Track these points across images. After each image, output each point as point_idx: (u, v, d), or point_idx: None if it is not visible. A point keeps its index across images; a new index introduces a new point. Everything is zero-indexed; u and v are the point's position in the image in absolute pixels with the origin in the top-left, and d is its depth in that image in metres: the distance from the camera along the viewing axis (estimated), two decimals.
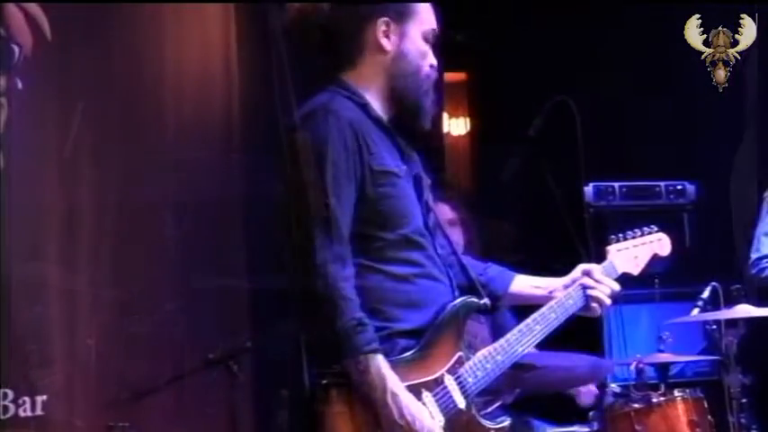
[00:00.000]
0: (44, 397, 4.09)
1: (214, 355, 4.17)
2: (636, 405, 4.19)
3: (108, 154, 4.97)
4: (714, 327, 4.45)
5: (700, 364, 5.13)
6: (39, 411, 4.05)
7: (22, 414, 4.31)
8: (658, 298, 5.15)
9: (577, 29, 6.12)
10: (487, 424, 2.83)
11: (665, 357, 4.41)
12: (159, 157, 5.18)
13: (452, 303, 2.83)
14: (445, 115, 7.05)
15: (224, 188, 5.39)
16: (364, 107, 2.82)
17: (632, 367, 4.48)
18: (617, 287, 3.07)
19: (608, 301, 3.04)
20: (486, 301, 2.92)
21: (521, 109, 6.28)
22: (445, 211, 4.81)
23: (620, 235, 3.25)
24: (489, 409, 2.95)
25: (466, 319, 2.85)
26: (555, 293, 3.04)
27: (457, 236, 4.78)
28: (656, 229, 3.32)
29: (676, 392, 4.25)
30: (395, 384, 2.68)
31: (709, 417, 4.25)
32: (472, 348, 2.90)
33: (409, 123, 2.90)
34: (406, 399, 2.69)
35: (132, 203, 5.04)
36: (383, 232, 2.75)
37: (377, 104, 2.87)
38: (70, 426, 4.42)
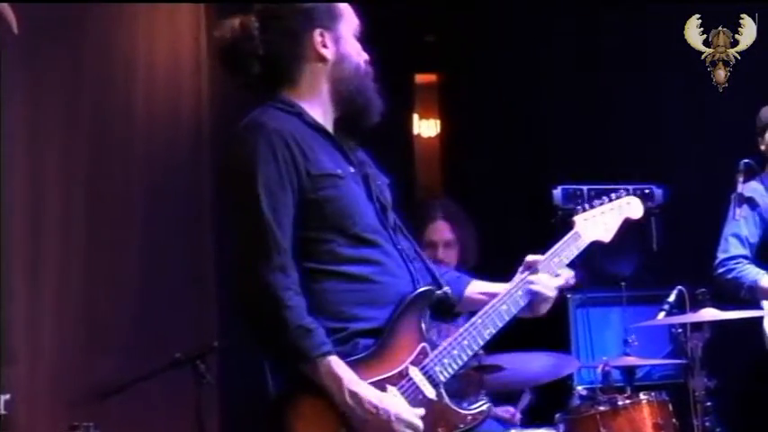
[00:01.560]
0: (7, 396, 4.06)
1: (181, 355, 4.14)
2: (601, 408, 4.21)
3: (77, 146, 4.95)
4: (680, 330, 4.47)
5: (665, 367, 5.16)
6: (1, 411, 4.01)
7: None
8: (625, 301, 5.18)
9: (549, 29, 6.14)
10: (463, 411, 2.80)
11: (631, 360, 4.43)
12: (128, 152, 5.16)
13: (411, 294, 2.82)
14: (416, 117, 7.05)
15: (192, 187, 5.38)
16: (299, 116, 2.85)
17: (599, 370, 4.50)
18: (559, 282, 2.98)
19: (549, 293, 2.94)
20: (446, 289, 2.89)
21: (491, 110, 6.30)
22: (443, 232, 4.79)
23: (587, 204, 3.17)
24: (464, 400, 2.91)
25: (426, 309, 2.83)
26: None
27: (452, 256, 4.77)
28: (624, 192, 3.24)
29: (642, 395, 4.27)
30: (351, 382, 2.68)
31: (674, 420, 4.27)
32: (436, 342, 2.87)
33: (358, 121, 2.92)
34: (366, 392, 2.68)
35: (100, 201, 5.02)
36: (332, 234, 2.75)
37: (317, 111, 2.89)
38: (33, 425, 4.39)
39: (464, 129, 6.64)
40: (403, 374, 2.75)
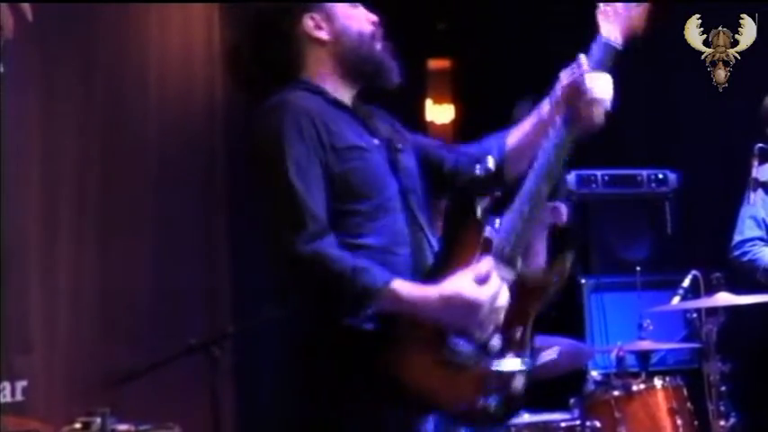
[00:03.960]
0: (24, 382, 4.08)
1: (195, 341, 4.15)
2: (616, 393, 4.21)
3: (91, 140, 4.97)
4: (694, 315, 4.47)
5: (680, 352, 5.16)
6: (19, 397, 4.03)
7: (1, 400, 4.30)
8: (639, 286, 5.17)
9: (562, 14, 6.12)
10: (543, 274, 2.72)
11: (645, 345, 4.43)
12: (142, 142, 5.18)
13: (452, 191, 2.80)
14: (429, 103, 7.05)
15: (207, 174, 5.39)
16: (321, 94, 2.85)
17: (613, 355, 4.50)
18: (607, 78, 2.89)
19: (605, 96, 2.88)
20: (489, 164, 2.75)
21: (505, 96, 6.28)
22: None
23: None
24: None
25: (475, 197, 2.72)
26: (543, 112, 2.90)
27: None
28: None
29: (656, 380, 4.27)
30: (427, 293, 2.61)
31: (689, 404, 4.28)
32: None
33: (377, 86, 2.90)
34: (448, 290, 2.60)
35: (115, 190, 5.04)
36: (358, 204, 2.75)
37: (336, 89, 2.89)
38: (50, 411, 4.41)
39: (477, 115, 6.63)
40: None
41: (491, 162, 2.79)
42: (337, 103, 2.86)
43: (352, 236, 2.74)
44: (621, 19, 3.11)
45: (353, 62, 2.89)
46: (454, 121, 7.12)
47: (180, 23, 5.39)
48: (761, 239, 4.65)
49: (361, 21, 2.91)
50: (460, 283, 2.61)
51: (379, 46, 2.90)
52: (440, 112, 7.26)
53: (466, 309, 2.59)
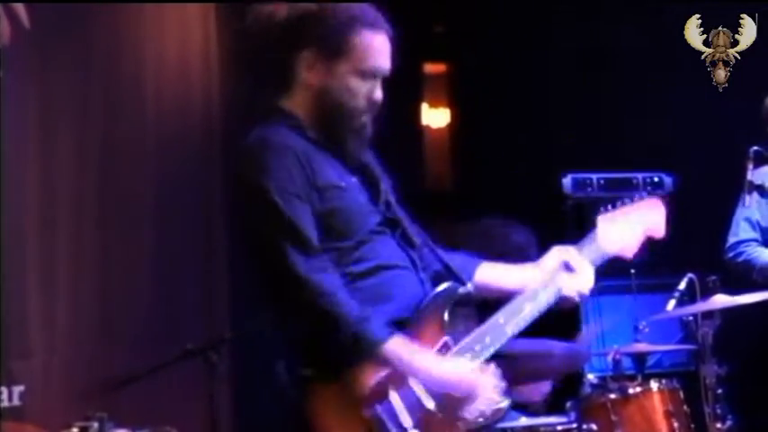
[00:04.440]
0: (22, 387, 4.08)
1: (193, 346, 4.16)
2: (612, 396, 4.21)
3: (89, 142, 4.97)
4: (691, 318, 4.48)
5: (676, 354, 5.16)
6: (16, 402, 4.04)
7: None
8: (635, 289, 5.18)
9: (560, 19, 6.14)
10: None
11: (641, 347, 4.44)
12: (140, 147, 5.18)
13: (435, 291, 2.83)
14: (425, 107, 7.05)
15: (204, 180, 5.40)
16: (300, 130, 2.82)
17: (609, 358, 4.51)
18: (591, 275, 2.99)
19: (585, 291, 2.98)
20: (470, 287, 2.90)
21: (501, 100, 6.30)
22: None
23: (609, 205, 3.16)
24: None
25: (449, 304, 2.84)
26: (526, 283, 2.95)
27: None
28: (645, 195, 3.23)
29: (652, 383, 4.27)
30: (426, 358, 2.70)
31: (685, 407, 4.28)
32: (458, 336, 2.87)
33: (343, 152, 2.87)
34: (447, 366, 2.72)
35: (112, 195, 5.04)
36: (338, 242, 2.76)
37: (313, 126, 2.85)
38: (48, 416, 4.41)
39: (473, 119, 6.64)
40: None
41: (470, 289, 2.90)
42: (316, 142, 2.83)
43: (341, 267, 2.75)
44: (627, 229, 3.13)
45: (324, 122, 2.82)
46: (450, 126, 7.13)
47: (176, 24, 5.39)
48: (755, 241, 4.68)
49: (356, 96, 2.81)
50: (483, 378, 2.74)
51: (357, 125, 2.82)
52: (436, 117, 7.26)
53: (468, 392, 2.72)
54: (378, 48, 2.82)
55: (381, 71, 2.83)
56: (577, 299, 2.99)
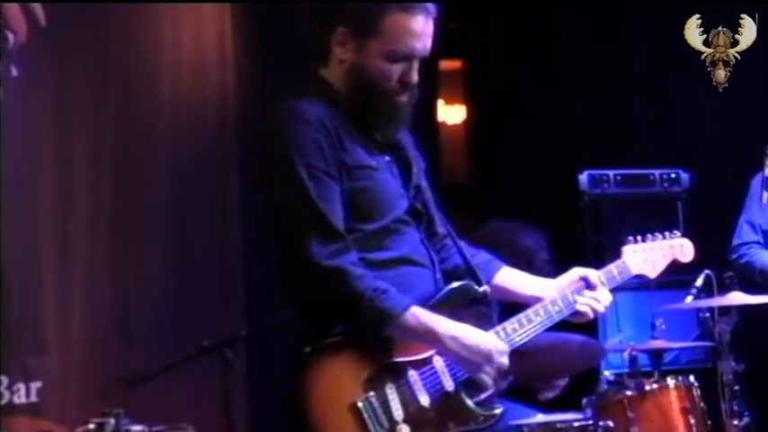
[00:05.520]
0: (39, 384, 4.10)
1: (208, 343, 4.17)
2: (629, 392, 4.20)
3: (105, 143, 4.99)
4: (707, 314, 4.47)
5: (693, 351, 5.15)
6: (33, 398, 4.06)
7: (16, 401, 4.33)
8: (652, 285, 5.15)
9: (574, 14, 6.12)
10: (478, 410, 2.81)
11: (658, 344, 4.42)
12: (155, 143, 5.19)
13: (450, 286, 2.83)
14: (440, 104, 7.05)
15: (220, 176, 5.40)
16: (333, 103, 2.79)
17: (626, 355, 4.49)
18: (609, 298, 3.02)
19: (601, 310, 3.01)
20: (485, 288, 2.89)
21: (516, 96, 6.29)
22: None
23: (639, 237, 3.19)
24: (482, 396, 2.91)
25: (462, 303, 2.84)
26: (544, 294, 2.96)
27: None
28: (678, 234, 3.26)
29: (669, 380, 4.26)
30: (446, 327, 2.71)
31: (702, 404, 4.26)
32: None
33: (377, 131, 2.84)
34: (464, 333, 2.73)
35: (128, 192, 5.05)
36: (361, 224, 2.74)
37: (345, 101, 2.82)
38: (64, 412, 4.43)
39: (489, 115, 6.63)
40: (426, 361, 2.76)
41: (487, 289, 2.90)
42: (349, 117, 2.80)
43: (363, 252, 2.74)
44: (650, 261, 3.19)
45: (353, 100, 2.79)
46: (466, 122, 7.12)
47: (192, 23, 5.40)
48: (757, 243, 4.80)
49: (388, 78, 2.76)
50: (495, 344, 2.76)
51: (388, 107, 2.78)
52: (451, 113, 7.26)
53: (482, 357, 2.74)
54: (412, 30, 2.76)
55: (415, 54, 2.79)
56: (591, 315, 2.99)
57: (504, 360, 2.78)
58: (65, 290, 4.77)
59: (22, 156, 4.56)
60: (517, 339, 2.85)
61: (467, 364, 2.74)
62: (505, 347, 2.78)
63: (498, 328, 2.84)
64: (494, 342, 2.77)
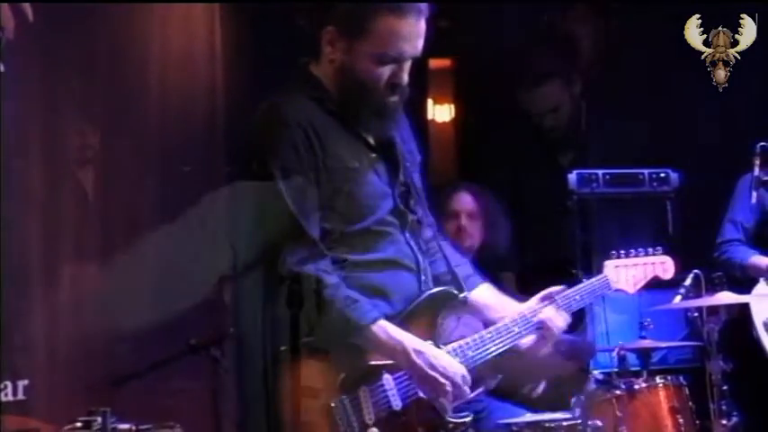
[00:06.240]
0: (25, 382, 4.08)
1: (196, 341, 4.16)
2: (617, 392, 4.21)
3: (92, 137, 4.97)
4: (696, 314, 4.48)
5: (681, 351, 5.15)
6: (20, 396, 4.04)
7: (3, 399, 4.30)
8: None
9: (563, 12, 6.12)
10: (446, 417, 2.83)
11: (646, 344, 4.43)
12: (142, 140, 5.18)
13: (430, 291, 2.82)
14: (430, 102, 7.04)
15: (207, 175, 5.39)
16: (321, 102, 2.78)
17: (614, 354, 4.50)
18: (563, 324, 3.06)
19: (556, 333, 3.05)
20: (465, 295, 2.90)
21: (506, 96, 6.29)
22: (465, 200, 4.78)
23: (623, 251, 3.22)
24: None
25: (441, 308, 2.84)
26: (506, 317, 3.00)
27: (475, 229, 4.76)
28: (660, 250, 3.29)
29: (658, 379, 4.27)
30: (413, 342, 2.72)
31: (691, 403, 4.27)
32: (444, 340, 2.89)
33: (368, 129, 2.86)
34: (430, 352, 2.74)
35: (115, 189, 5.04)
36: (342, 225, 2.74)
37: (334, 99, 2.84)
38: (51, 410, 4.41)
39: (478, 114, 6.62)
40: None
41: (467, 296, 2.95)
42: (336, 115, 2.80)
43: (338, 252, 2.73)
44: (631, 276, 3.31)
45: (342, 99, 2.81)
46: (454, 120, 7.12)
47: (181, 22, 5.39)
48: (738, 241, 4.92)
49: (378, 79, 2.77)
50: (460, 368, 2.80)
51: (377, 107, 2.80)
52: (441, 112, 7.25)
53: (443, 381, 2.77)
54: (402, 33, 2.77)
55: (405, 56, 2.79)
56: (556, 332, 3.00)
57: (466, 389, 2.78)
58: (52, 287, 4.75)
59: (7, 152, 4.54)
60: (476, 357, 2.87)
61: (428, 383, 2.74)
62: (467, 375, 2.79)
63: (455, 344, 2.84)
64: (459, 367, 2.78)
